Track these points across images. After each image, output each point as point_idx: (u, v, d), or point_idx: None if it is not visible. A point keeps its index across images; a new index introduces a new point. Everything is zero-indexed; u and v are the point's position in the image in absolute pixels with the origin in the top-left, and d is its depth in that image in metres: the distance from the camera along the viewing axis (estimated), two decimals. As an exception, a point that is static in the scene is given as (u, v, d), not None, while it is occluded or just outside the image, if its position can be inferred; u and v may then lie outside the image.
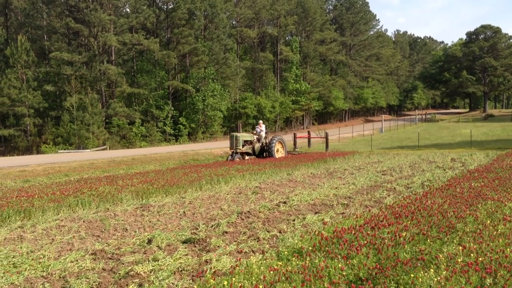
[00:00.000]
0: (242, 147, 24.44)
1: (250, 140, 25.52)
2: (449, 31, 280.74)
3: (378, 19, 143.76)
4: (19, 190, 13.78)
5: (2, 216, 8.99)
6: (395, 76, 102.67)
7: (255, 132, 26.51)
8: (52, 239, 7.72)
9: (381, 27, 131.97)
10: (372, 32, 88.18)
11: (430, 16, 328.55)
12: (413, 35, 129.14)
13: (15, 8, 51.22)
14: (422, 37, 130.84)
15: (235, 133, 24.75)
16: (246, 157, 24.70)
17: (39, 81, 42.18)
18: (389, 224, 7.34)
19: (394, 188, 12.74)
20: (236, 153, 23.98)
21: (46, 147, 37.97)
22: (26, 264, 6.22)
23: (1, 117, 43.11)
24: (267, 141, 25.95)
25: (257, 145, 25.56)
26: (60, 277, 5.79)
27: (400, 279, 4.95)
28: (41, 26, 48.47)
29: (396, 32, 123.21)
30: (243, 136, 25.07)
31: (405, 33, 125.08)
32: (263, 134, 26.20)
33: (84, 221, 8.93)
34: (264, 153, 25.81)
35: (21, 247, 7.10)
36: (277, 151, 25.73)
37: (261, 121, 28.29)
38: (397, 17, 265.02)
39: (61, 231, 8.26)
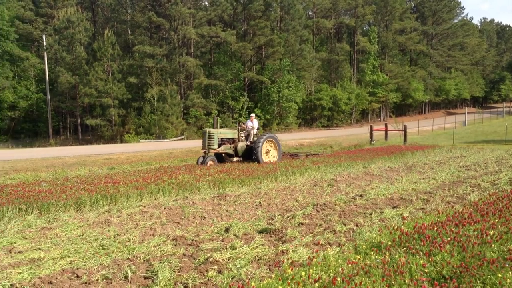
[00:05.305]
0: (219, 146, 18.76)
1: (232, 138, 19.68)
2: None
3: (463, 7, 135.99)
4: (106, 176, 14.59)
5: (91, 200, 9.58)
6: (480, 66, 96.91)
7: (244, 126, 20.45)
8: (136, 224, 8.12)
9: (466, 15, 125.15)
10: (456, 21, 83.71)
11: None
12: (501, 23, 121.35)
13: (101, 4, 54.07)
14: (511, 25, 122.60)
15: (207, 129, 18.97)
16: (235, 159, 19.40)
17: (123, 74, 44.27)
18: (474, 221, 7.01)
19: (479, 184, 12.14)
20: (208, 154, 18.53)
21: (129, 137, 39.87)
22: (113, 247, 6.59)
23: (89, 108, 45.83)
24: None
25: (241, 144, 19.58)
26: (144, 260, 6.10)
27: (486, 278, 4.73)
28: (126, 20, 50.87)
29: (482, 20, 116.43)
30: (219, 132, 19.10)
31: (492, 21, 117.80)
32: (253, 131, 20.18)
33: (165, 208, 9.31)
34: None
35: (108, 230, 7.54)
36: (267, 152, 19.61)
37: (253, 114, 21.97)
38: (479, 4, 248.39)
39: (144, 216, 8.67)
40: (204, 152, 18.65)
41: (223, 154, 19.35)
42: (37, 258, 6.10)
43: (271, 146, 20.02)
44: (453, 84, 79.80)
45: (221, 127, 22.49)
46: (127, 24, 50.72)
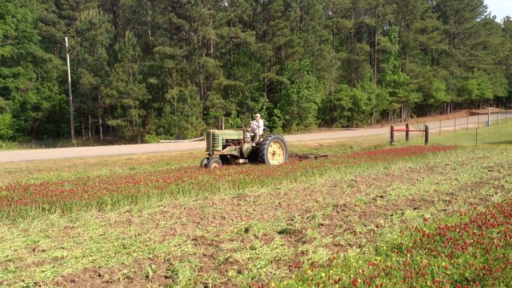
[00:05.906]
0: (223, 148, 18.21)
1: (237, 140, 19.05)
2: None
3: (486, 5, 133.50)
4: (126, 176, 14.75)
5: (112, 200, 9.70)
6: (504, 66, 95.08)
7: (250, 128, 19.83)
8: (157, 223, 8.19)
9: (489, 13, 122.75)
10: (478, 19, 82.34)
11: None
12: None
13: (122, 6, 54.67)
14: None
15: (212, 130, 18.26)
16: (240, 161, 18.70)
17: (143, 75, 44.61)
18: (498, 223, 6.88)
19: (502, 185, 11.93)
20: (213, 155, 17.74)
21: (149, 137, 40.19)
22: (134, 246, 6.66)
23: (110, 109, 46.37)
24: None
25: (246, 146, 18.87)
26: (165, 260, 6.15)
27: (510, 281, 4.64)
28: (146, 22, 51.33)
29: (505, 19, 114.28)
30: (224, 133, 18.53)
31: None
32: (259, 132, 19.52)
33: (185, 208, 9.36)
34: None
35: (129, 230, 7.62)
36: (273, 154, 19.15)
37: (258, 115, 21.26)
38: (502, 2, 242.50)
39: (164, 216, 8.73)
40: (209, 154, 17.95)
41: (228, 156, 18.73)
42: (60, 257, 6.20)
43: (277, 147, 19.46)
44: (475, 84, 78.54)
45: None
46: (147, 25, 51.18)
